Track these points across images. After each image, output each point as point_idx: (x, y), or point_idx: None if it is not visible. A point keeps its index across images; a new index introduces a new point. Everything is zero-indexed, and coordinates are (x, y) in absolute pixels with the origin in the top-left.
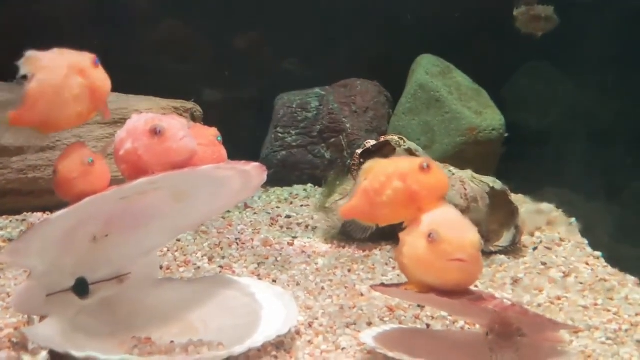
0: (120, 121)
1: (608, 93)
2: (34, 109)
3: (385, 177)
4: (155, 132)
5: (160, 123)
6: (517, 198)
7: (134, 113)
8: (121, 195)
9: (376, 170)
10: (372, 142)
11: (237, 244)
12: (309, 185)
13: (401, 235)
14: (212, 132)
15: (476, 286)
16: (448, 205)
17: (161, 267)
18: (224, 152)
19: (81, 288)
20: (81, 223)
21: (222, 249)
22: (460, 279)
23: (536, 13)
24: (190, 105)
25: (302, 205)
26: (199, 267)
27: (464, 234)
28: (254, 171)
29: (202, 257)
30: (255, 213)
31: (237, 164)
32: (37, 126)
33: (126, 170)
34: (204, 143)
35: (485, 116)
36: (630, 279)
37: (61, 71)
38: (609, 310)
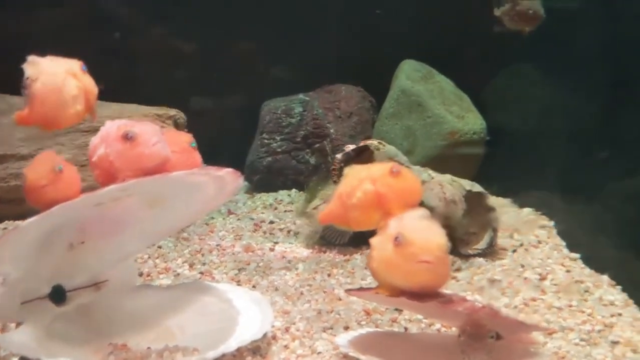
0: None
1: (587, 95)
2: (39, 108)
3: (357, 180)
4: (127, 138)
5: (133, 129)
6: (497, 201)
7: (108, 120)
8: (94, 202)
9: (350, 175)
10: (352, 147)
11: (218, 250)
12: (294, 190)
13: (371, 240)
14: (186, 139)
15: (455, 290)
16: (417, 209)
17: (141, 274)
18: (198, 158)
19: (58, 295)
20: (55, 230)
21: (202, 255)
22: (428, 280)
23: (522, 8)
24: (173, 112)
25: (285, 211)
26: (179, 274)
27: (430, 236)
28: (228, 177)
29: (183, 263)
30: (238, 219)
31: (210, 169)
32: (41, 124)
33: (99, 176)
34: (177, 150)
35: (467, 120)
36: (606, 279)
37: (60, 74)
38: (583, 312)
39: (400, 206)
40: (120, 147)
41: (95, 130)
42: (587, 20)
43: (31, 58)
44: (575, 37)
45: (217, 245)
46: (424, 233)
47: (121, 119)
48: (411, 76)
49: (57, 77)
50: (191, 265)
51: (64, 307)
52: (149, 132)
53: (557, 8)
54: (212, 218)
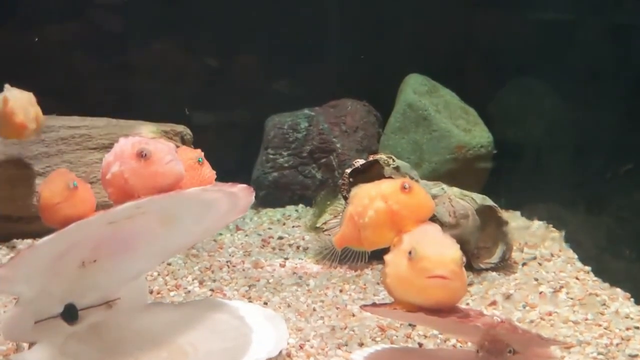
0: (110, 146)
1: (597, 107)
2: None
3: (368, 199)
4: (142, 156)
5: (147, 147)
6: (507, 214)
7: (122, 137)
8: (108, 220)
9: (360, 194)
10: (361, 162)
11: (228, 267)
12: (301, 205)
13: (385, 257)
14: (193, 155)
15: (467, 304)
16: (429, 224)
17: (151, 292)
18: (211, 174)
19: (70, 314)
20: (69, 249)
21: (212, 272)
22: (443, 295)
23: None
24: (180, 128)
25: (293, 226)
26: (189, 291)
27: (444, 250)
28: (241, 193)
29: (193, 280)
30: (246, 235)
31: (223, 185)
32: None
33: (113, 194)
34: (189, 166)
35: (474, 133)
36: (620, 292)
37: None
38: (599, 325)
39: (414, 222)
40: (134, 164)
41: (103, 148)
42: (593, 32)
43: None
44: (582, 49)
45: (227, 261)
46: (438, 247)
47: (127, 135)
48: (417, 90)
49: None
50: (201, 282)
51: (76, 326)
52: (163, 150)
53: (562, 20)
54: (221, 234)
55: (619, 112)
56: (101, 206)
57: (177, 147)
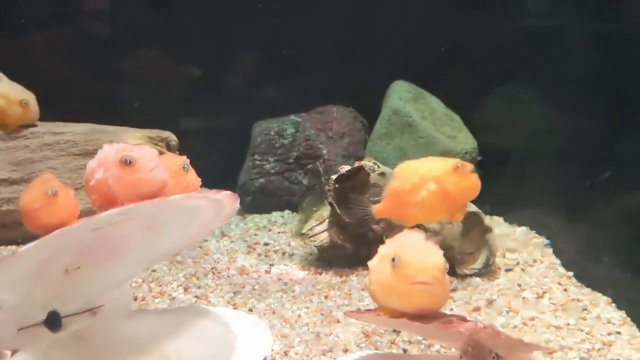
0: (95, 152)
1: (579, 114)
2: None
3: (417, 177)
4: (126, 163)
5: (131, 153)
6: (491, 220)
7: (106, 143)
8: (92, 227)
9: (407, 171)
10: (347, 168)
11: (213, 273)
12: (287, 211)
13: (369, 263)
14: (178, 162)
15: (451, 310)
16: (413, 230)
17: (136, 299)
18: (196, 180)
19: (53, 321)
20: (52, 255)
21: (197, 278)
22: (426, 301)
23: None
24: (165, 134)
25: (279, 232)
26: (174, 298)
27: (426, 256)
28: (226, 199)
29: (178, 287)
30: (232, 241)
31: (208, 192)
32: None
33: (97, 200)
34: (170, 173)
35: (459, 140)
36: (602, 297)
37: None
38: (581, 330)
39: (464, 203)
40: (118, 171)
41: (88, 154)
42: (577, 40)
43: None
44: (565, 58)
45: (212, 268)
46: (421, 254)
47: (112, 141)
48: (403, 97)
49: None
50: (186, 289)
51: (59, 334)
52: (147, 157)
53: (546, 28)
54: (206, 240)
55: (601, 119)
56: (85, 213)
57: (162, 153)
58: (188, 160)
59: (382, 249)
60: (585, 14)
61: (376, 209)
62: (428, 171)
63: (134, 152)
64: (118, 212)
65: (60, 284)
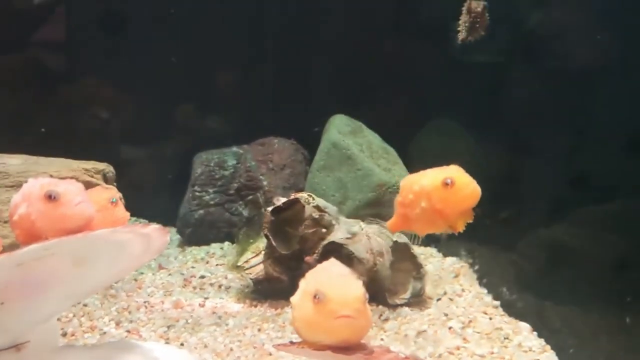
0: None
1: (504, 147)
2: None
3: (412, 194)
4: (50, 198)
5: (56, 188)
6: (424, 250)
7: (31, 177)
8: (15, 262)
9: (405, 187)
10: (283, 200)
11: (146, 307)
12: (227, 243)
13: (292, 299)
14: (107, 195)
15: (382, 339)
16: (333, 260)
17: (65, 334)
18: (124, 214)
19: None
20: None
21: (130, 312)
22: (350, 334)
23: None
24: (102, 166)
25: (217, 265)
26: (105, 332)
27: (347, 289)
28: (155, 233)
29: (109, 321)
30: (169, 274)
31: (135, 226)
32: None
33: (20, 235)
34: (97, 208)
35: (394, 172)
36: (525, 326)
37: None
38: (503, 358)
39: (461, 213)
40: (42, 206)
41: (19, 186)
42: (506, 76)
43: None
44: (493, 92)
45: (145, 302)
46: (341, 287)
47: (46, 175)
48: (341, 130)
49: None
50: (118, 323)
51: None
52: (73, 191)
53: (478, 63)
54: (142, 273)
55: (526, 153)
56: (10, 247)
57: (93, 186)
58: (118, 195)
59: (302, 284)
60: (518, 52)
61: (389, 224)
62: (421, 187)
63: (59, 187)
64: (41, 247)
65: None
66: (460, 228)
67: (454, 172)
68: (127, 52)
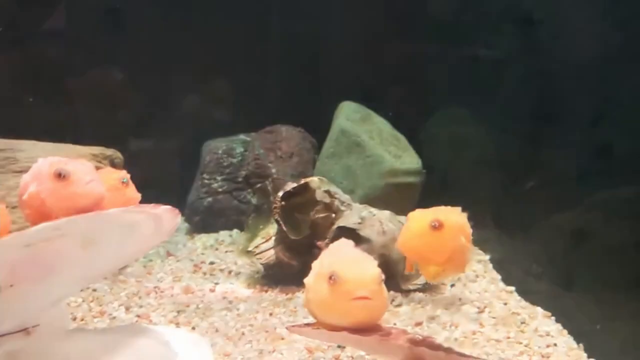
0: None
1: (516, 133)
2: None
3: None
4: (60, 176)
5: (65, 167)
6: None
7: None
8: (24, 243)
9: (407, 226)
10: (293, 185)
11: (156, 292)
12: (235, 230)
13: (305, 281)
14: (117, 176)
15: (395, 324)
16: (345, 241)
17: (75, 319)
18: (135, 195)
19: None
20: None
21: (140, 297)
22: (366, 315)
23: None
24: (110, 152)
25: (226, 251)
26: (114, 317)
27: (363, 270)
28: (165, 214)
29: (119, 306)
30: (178, 261)
31: (146, 207)
32: None
33: (30, 215)
34: (108, 188)
35: (404, 159)
36: (540, 311)
37: None
38: (520, 343)
39: (449, 254)
40: (52, 185)
41: (28, 171)
42: (511, 67)
43: None
44: (501, 82)
45: (155, 287)
46: (357, 268)
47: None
48: (350, 117)
49: None
50: (128, 308)
51: None
52: (83, 170)
53: (484, 57)
54: (150, 260)
55: (538, 137)
56: (19, 229)
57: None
58: (128, 175)
59: (316, 265)
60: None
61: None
62: (411, 233)
63: (69, 165)
64: (51, 226)
65: None
66: (453, 272)
67: (445, 216)
68: (134, 40)
